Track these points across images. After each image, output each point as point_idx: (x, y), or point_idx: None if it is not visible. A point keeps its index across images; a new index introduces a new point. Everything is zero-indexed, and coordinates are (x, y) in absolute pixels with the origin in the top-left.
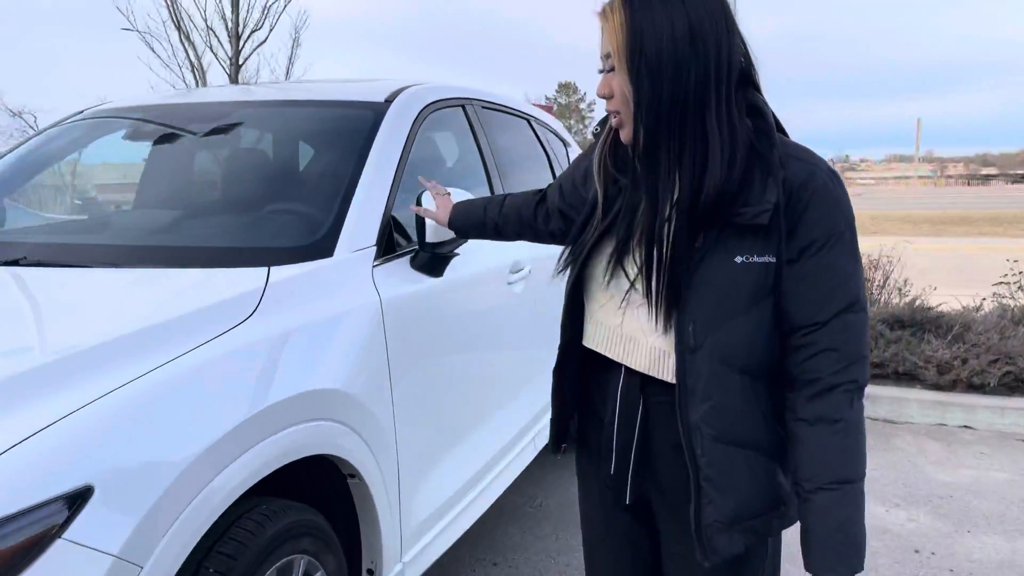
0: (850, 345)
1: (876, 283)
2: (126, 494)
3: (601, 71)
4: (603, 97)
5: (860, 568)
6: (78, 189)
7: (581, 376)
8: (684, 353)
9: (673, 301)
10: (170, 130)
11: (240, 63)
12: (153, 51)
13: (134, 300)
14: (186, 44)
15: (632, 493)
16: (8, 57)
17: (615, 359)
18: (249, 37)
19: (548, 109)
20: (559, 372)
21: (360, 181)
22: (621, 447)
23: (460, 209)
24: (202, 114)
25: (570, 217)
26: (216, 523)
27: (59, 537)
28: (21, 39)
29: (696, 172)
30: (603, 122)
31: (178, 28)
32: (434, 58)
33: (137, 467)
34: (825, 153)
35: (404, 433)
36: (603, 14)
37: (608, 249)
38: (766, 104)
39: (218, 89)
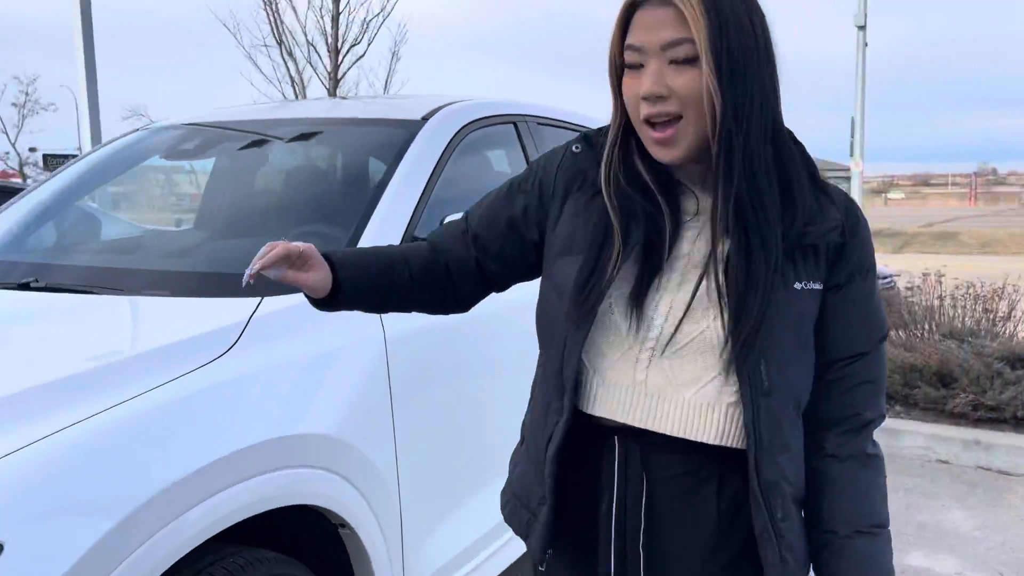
0: (883, 377)
1: (999, 314)
2: (44, 553)
3: (632, 66)
4: (654, 96)
5: None
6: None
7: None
8: (757, 399)
9: (753, 339)
10: (211, 149)
11: (339, 78)
12: (256, 66)
13: (112, 332)
14: (287, 59)
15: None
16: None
17: (635, 424)
18: (348, 52)
19: None
20: (559, 457)
21: (379, 203)
22: (623, 543)
23: (349, 267)
24: (242, 133)
25: (505, 259)
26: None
27: None
28: (143, 49)
29: (774, 193)
30: (584, 139)
31: (279, 44)
32: (560, 69)
33: (64, 521)
34: (968, 166)
35: (409, 482)
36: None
37: (624, 290)
38: None
39: (262, 107)
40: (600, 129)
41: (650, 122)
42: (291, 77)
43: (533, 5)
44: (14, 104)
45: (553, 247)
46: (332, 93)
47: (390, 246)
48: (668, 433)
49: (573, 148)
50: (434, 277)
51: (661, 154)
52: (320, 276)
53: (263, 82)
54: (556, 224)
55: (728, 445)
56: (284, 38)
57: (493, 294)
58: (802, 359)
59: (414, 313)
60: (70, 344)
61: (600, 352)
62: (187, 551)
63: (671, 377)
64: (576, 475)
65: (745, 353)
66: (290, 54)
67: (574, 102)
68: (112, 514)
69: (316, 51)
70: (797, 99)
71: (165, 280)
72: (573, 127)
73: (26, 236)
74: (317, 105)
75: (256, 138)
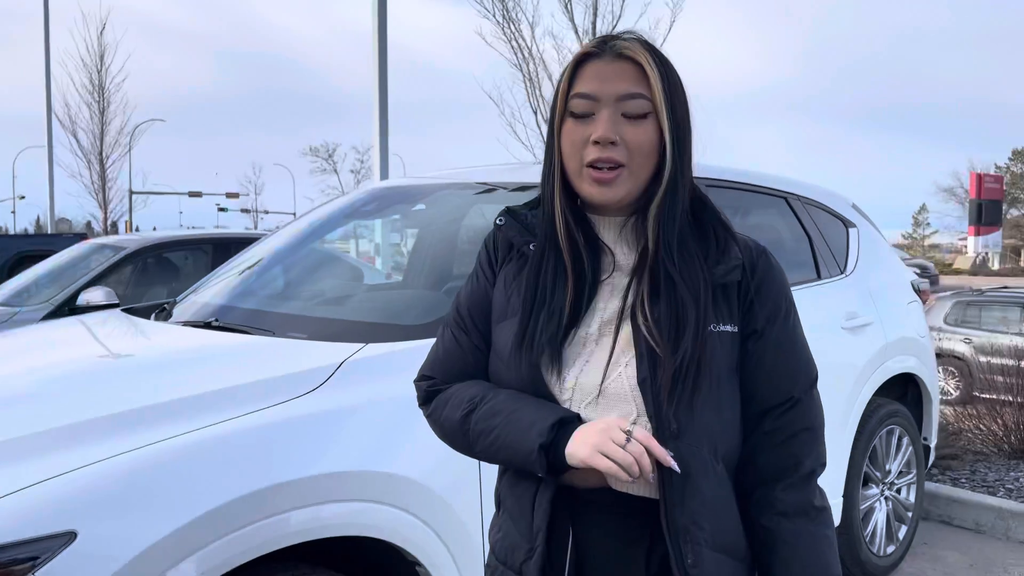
0: (819, 421)
1: None
2: (112, 542)
3: (581, 115)
4: (607, 142)
5: None
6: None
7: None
8: (666, 441)
9: (675, 382)
10: (392, 210)
11: None
12: (515, 133)
13: (238, 364)
14: (542, 125)
15: None
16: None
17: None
18: None
19: (998, 180)
20: (553, 504)
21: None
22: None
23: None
24: (414, 196)
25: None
26: None
27: (31, 573)
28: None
29: (687, 234)
30: (507, 211)
31: (535, 112)
32: (861, 122)
33: (128, 517)
34: None
35: None
36: (629, 53)
37: (546, 341)
38: None
39: (472, 170)
40: (527, 203)
41: (594, 165)
42: (545, 141)
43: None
44: (352, 171)
45: (494, 315)
46: None
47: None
48: (593, 485)
49: (497, 222)
50: None
51: (599, 193)
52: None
53: (519, 147)
54: (494, 294)
55: (647, 496)
56: (540, 105)
57: None
58: (717, 401)
59: None
60: (202, 371)
61: None
62: (257, 556)
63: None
64: (556, 530)
65: (653, 397)
66: (546, 120)
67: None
68: (178, 518)
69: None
70: None
71: (306, 324)
72: (753, 188)
73: (241, 280)
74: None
75: (451, 197)
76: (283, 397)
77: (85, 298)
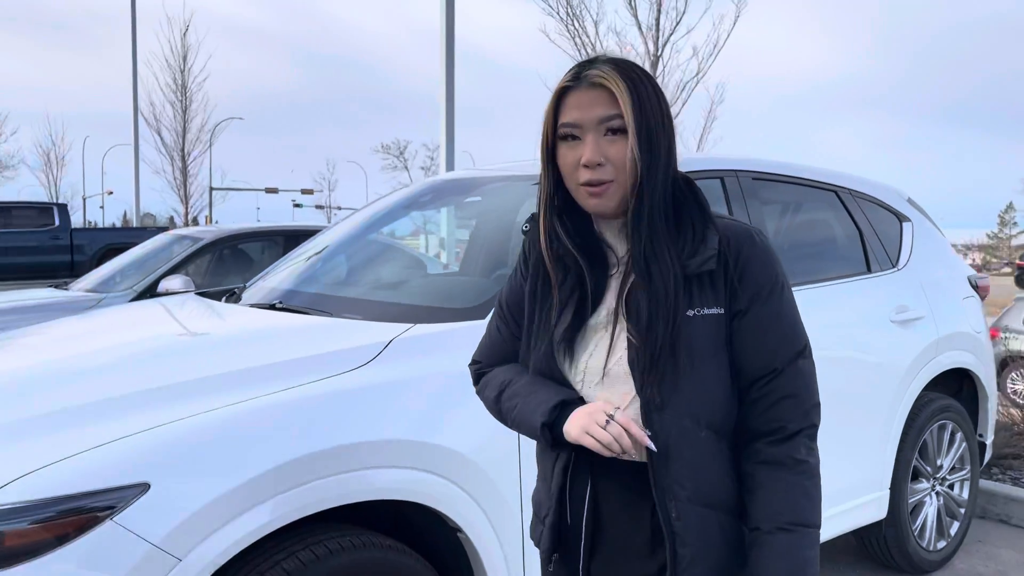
0: (807, 391)
1: None
2: (179, 495)
3: (570, 137)
4: (594, 164)
5: None
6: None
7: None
8: (651, 413)
9: (653, 366)
10: (447, 201)
11: None
12: None
13: (296, 341)
14: None
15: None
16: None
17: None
18: None
19: None
20: (563, 476)
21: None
22: (590, 544)
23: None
24: (471, 188)
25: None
26: (284, 540)
27: (110, 519)
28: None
29: (669, 233)
30: (532, 218)
31: None
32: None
33: (197, 471)
34: None
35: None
36: (600, 81)
37: (560, 335)
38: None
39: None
40: None
41: (589, 183)
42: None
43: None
44: (422, 168)
45: (526, 311)
46: None
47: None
48: (636, 457)
49: (523, 228)
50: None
51: (595, 206)
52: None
53: None
54: (526, 289)
55: (642, 461)
56: None
57: None
58: (699, 377)
59: None
60: (265, 346)
61: None
62: (311, 512)
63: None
64: (573, 494)
65: (641, 375)
66: None
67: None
68: (241, 474)
69: None
70: None
71: (361, 307)
72: (805, 182)
73: (303, 267)
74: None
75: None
76: (336, 370)
77: (165, 285)
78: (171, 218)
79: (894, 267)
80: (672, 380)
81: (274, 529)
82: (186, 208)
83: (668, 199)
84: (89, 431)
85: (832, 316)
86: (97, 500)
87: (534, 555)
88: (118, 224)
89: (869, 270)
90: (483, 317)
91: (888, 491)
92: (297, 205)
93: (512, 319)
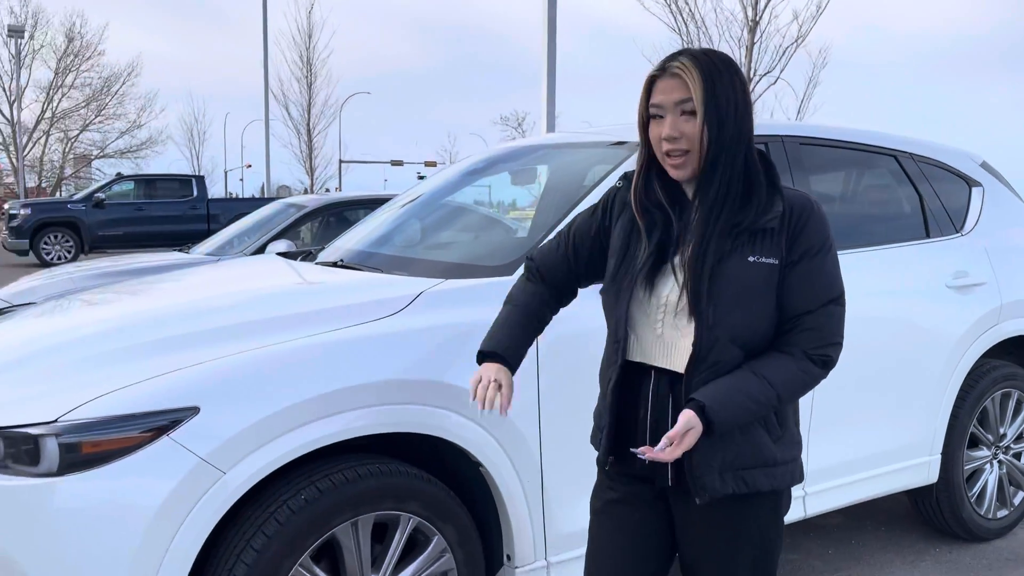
0: (829, 328)
1: None
2: (225, 418)
3: (657, 116)
4: (672, 137)
5: (708, 431)
6: None
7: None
8: (703, 330)
9: (710, 294)
10: (500, 166)
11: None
12: None
13: (345, 292)
14: None
15: (672, 476)
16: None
17: (660, 365)
18: (760, 80)
19: None
20: (617, 391)
21: (569, 215)
22: (656, 439)
23: (506, 347)
24: (515, 155)
25: (588, 260)
26: (314, 462)
27: (167, 435)
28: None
29: (738, 197)
30: (624, 177)
31: None
32: None
33: (241, 399)
34: None
35: (552, 449)
36: (678, 72)
37: (645, 274)
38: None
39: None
40: None
41: (668, 154)
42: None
43: None
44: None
45: (609, 250)
46: None
47: (525, 307)
48: (676, 370)
49: (617, 184)
50: (548, 305)
51: (677, 174)
52: (508, 378)
53: None
54: (611, 236)
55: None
56: None
57: None
58: (745, 309)
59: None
60: (317, 296)
61: (634, 319)
62: (339, 440)
63: (677, 332)
64: (625, 400)
65: (697, 301)
66: None
67: None
68: (278, 403)
69: None
70: None
71: (407, 264)
72: (859, 147)
73: (368, 231)
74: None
75: (524, 161)
76: (370, 317)
77: (271, 249)
78: (305, 190)
79: (957, 232)
80: (717, 309)
81: (307, 452)
82: (311, 180)
83: (738, 169)
84: (155, 362)
85: (882, 280)
86: (156, 419)
87: (552, 490)
88: (256, 195)
89: (928, 235)
90: (510, 274)
91: (939, 456)
92: (421, 177)
93: (571, 243)
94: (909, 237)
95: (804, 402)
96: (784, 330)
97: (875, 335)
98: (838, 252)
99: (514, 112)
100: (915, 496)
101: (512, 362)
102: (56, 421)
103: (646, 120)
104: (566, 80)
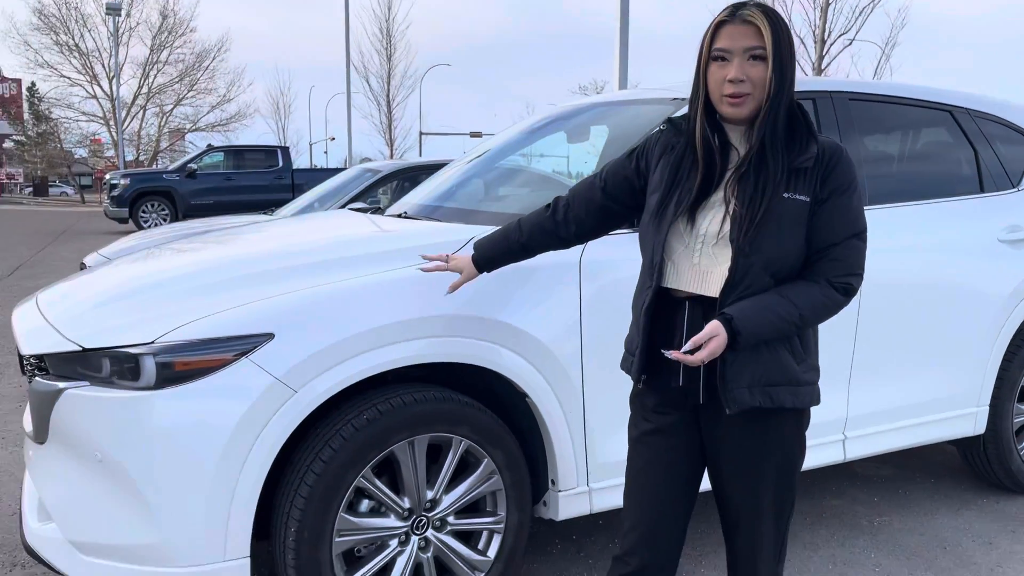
0: (851, 259)
1: None
2: (297, 343)
3: (720, 59)
4: (738, 80)
5: (733, 343)
6: None
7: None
8: (739, 257)
9: (750, 227)
10: (579, 122)
11: (823, 67)
12: None
13: (403, 239)
14: None
15: (704, 393)
16: None
17: (693, 291)
18: (834, 41)
19: None
20: (650, 312)
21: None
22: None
23: (482, 248)
24: (571, 113)
25: (618, 199)
26: (376, 389)
27: (246, 356)
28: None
29: (786, 138)
30: (668, 122)
31: None
32: None
33: (310, 327)
34: None
35: (593, 387)
36: (751, 19)
37: (686, 207)
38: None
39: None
40: (682, 115)
41: (731, 95)
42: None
43: None
44: None
45: (649, 189)
46: None
47: (520, 234)
48: (710, 295)
49: (660, 127)
50: (542, 230)
51: (734, 113)
52: (470, 271)
53: None
54: (652, 176)
55: (714, 296)
56: None
57: None
58: (777, 240)
59: (607, 239)
60: (380, 241)
61: (672, 248)
62: (397, 367)
63: (713, 261)
64: (659, 327)
65: (742, 231)
66: None
67: None
68: (344, 332)
69: (803, 43)
70: None
71: (463, 215)
72: (911, 102)
73: (432, 187)
74: (623, 93)
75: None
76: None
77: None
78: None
79: (1015, 187)
80: (755, 238)
81: (368, 376)
82: (391, 151)
83: (786, 114)
84: (237, 295)
85: (933, 233)
86: (237, 343)
87: (593, 423)
88: (340, 167)
89: (982, 190)
90: None
91: (987, 408)
92: (475, 135)
93: (604, 181)
94: (962, 192)
95: (845, 348)
96: (811, 261)
97: (923, 286)
98: (886, 206)
99: (593, 81)
100: (964, 447)
101: (481, 264)
102: (153, 343)
103: (707, 63)
104: (642, 49)
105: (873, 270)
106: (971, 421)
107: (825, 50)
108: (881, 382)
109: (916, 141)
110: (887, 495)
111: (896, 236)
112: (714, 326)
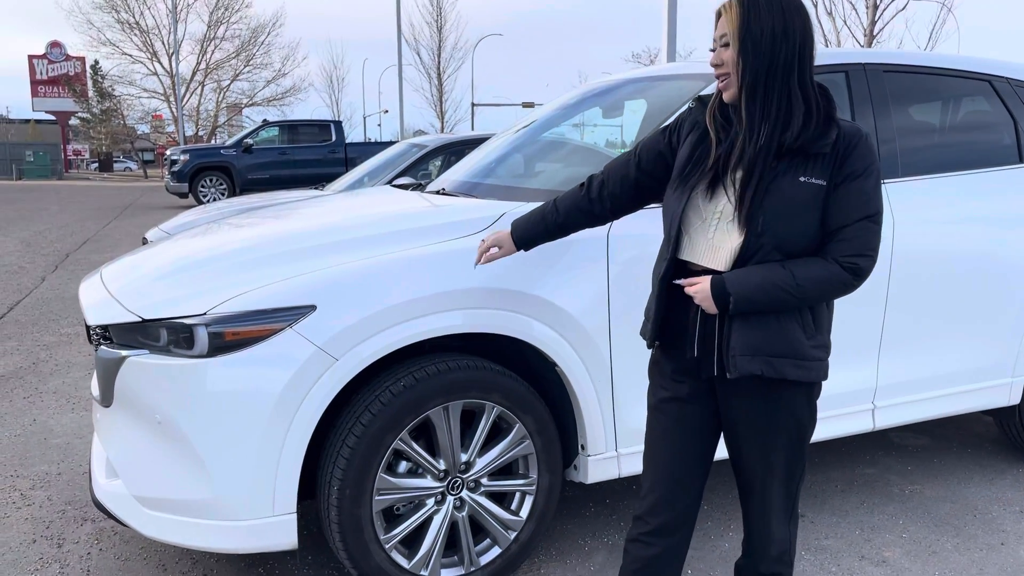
0: (861, 240)
1: None
2: (336, 314)
3: (712, 49)
4: (716, 66)
5: (726, 304)
6: None
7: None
8: (751, 236)
9: (757, 205)
10: (615, 97)
11: (875, 33)
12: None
13: (436, 214)
14: (821, 20)
15: (717, 366)
16: None
17: (705, 264)
18: (887, 7)
19: None
20: (665, 282)
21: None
22: (704, 334)
23: (520, 229)
24: (608, 89)
25: (652, 174)
26: (412, 357)
27: (290, 327)
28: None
29: (780, 120)
30: (698, 99)
31: (815, 5)
32: None
33: (349, 299)
34: None
35: (621, 355)
36: (723, 9)
37: (704, 182)
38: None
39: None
40: (710, 93)
41: (718, 78)
42: (824, 37)
43: None
44: None
45: (676, 163)
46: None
47: (555, 199)
48: (721, 269)
49: (690, 105)
50: (578, 210)
51: (725, 95)
52: (509, 247)
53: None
54: (678, 153)
55: (722, 270)
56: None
57: None
58: (790, 221)
59: (636, 215)
60: (417, 217)
61: (689, 221)
62: (435, 336)
63: (726, 236)
64: (675, 296)
65: (752, 213)
66: (829, 14)
67: None
68: (381, 303)
69: (855, 8)
70: None
71: (498, 191)
72: (949, 73)
73: (471, 163)
74: (658, 68)
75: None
76: (459, 235)
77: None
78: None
79: None
80: (764, 218)
81: (405, 345)
82: (442, 123)
83: (782, 95)
84: (282, 269)
85: (968, 204)
86: (282, 314)
87: (621, 391)
88: (393, 140)
89: (1021, 161)
90: None
91: (1023, 379)
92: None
93: (638, 158)
94: (1000, 162)
95: (875, 317)
96: (823, 243)
97: (959, 256)
98: (923, 177)
99: (646, 49)
100: (999, 418)
101: (519, 243)
102: (205, 314)
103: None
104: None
105: (908, 239)
106: (1005, 392)
107: (878, 15)
108: (913, 351)
109: (954, 112)
110: (921, 464)
111: (933, 207)
112: (704, 278)
